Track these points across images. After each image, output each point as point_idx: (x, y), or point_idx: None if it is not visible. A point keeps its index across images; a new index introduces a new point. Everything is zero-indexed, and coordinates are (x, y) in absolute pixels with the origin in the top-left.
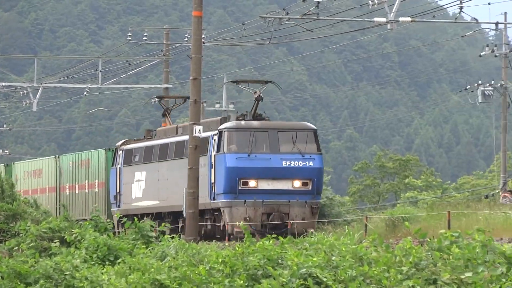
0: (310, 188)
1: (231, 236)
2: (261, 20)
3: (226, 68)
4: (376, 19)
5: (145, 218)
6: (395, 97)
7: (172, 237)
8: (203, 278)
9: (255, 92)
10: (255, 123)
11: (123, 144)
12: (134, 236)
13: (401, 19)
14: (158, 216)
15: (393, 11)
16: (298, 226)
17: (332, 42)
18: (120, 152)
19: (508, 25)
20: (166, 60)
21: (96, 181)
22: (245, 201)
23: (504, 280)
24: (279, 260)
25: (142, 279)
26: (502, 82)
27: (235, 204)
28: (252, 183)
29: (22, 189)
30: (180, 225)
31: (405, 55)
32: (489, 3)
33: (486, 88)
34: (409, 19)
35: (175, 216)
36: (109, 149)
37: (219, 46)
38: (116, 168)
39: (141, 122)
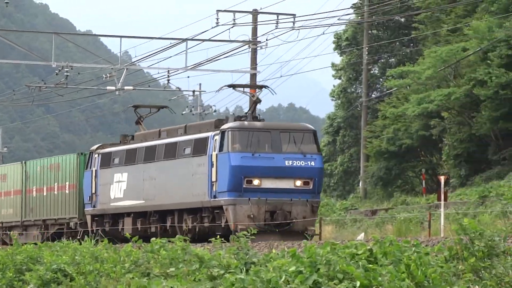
0: (311, 187)
1: (235, 233)
2: (26, 88)
3: (1, 122)
4: (108, 87)
5: (125, 217)
6: None
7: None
8: None
9: (253, 96)
10: (258, 124)
11: (98, 148)
12: None
13: (126, 87)
14: (141, 215)
15: (120, 81)
16: (299, 224)
17: (77, 103)
18: (96, 155)
19: (202, 92)
20: None
21: (67, 183)
22: (249, 199)
23: (197, 273)
24: (38, 259)
25: None
26: None
27: (240, 202)
28: (256, 182)
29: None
30: (168, 223)
31: (129, 114)
32: (188, 76)
33: None
34: (131, 87)
35: (161, 214)
36: (82, 154)
37: None
38: (92, 170)
39: None
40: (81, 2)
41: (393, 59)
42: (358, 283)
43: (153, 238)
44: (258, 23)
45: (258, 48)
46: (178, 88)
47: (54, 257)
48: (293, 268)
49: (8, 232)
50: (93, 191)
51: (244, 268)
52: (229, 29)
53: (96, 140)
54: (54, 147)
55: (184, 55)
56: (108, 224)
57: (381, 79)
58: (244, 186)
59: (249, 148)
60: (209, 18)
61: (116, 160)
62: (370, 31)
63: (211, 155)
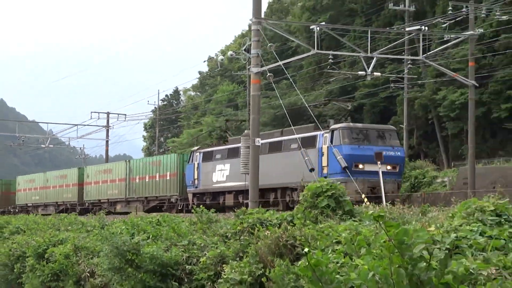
0: (397, 171)
1: None
2: None
3: None
4: (41, 145)
5: (226, 194)
6: None
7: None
8: None
9: (348, 106)
10: (359, 125)
11: (198, 149)
12: None
13: (50, 145)
14: (241, 192)
15: (47, 143)
16: (389, 197)
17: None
18: (198, 153)
19: (84, 148)
20: None
21: (168, 173)
22: (356, 178)
23: (81, 229)
24: (9, 222)
25: None
26: None
27: (349, 180)
28: (360, 166)
29: (93, 181)
30: (271, 198)
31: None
32: (77, 141)
33: None
34: (52, 145)
35: (262, 191)
36: (181, 154)
37: None
38: (194, 163)
39: None
40: (29, 98)
41: (170, 134)
42: (151, 234)
43: (65, 214)
44: (110, 117)
45: (110, 129)
46: (74, 146)
47: (16, 221)
48: (123, 227)
49: (114, 206)
50: (195, 177)
51: (101, 226)
52: (96, 120)
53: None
54: None
55: (75, 131)
56: (208, 199)
57: (164, 144)
58: (353, 169)
59: (355, 142)
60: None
61: (218, 156)
62: (160, 122)
63: (321, 147)
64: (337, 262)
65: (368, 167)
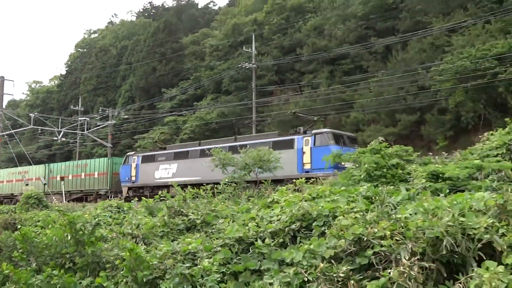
0: None
1: None
2: None
3: None
4: None
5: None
6: None
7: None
8: None
9: (315, 119)
10: (336, 131)
11: (135, 153)
12: None
13: None
14: (185, 186)
15: None
16: None
17: None
18: (135, 157)
19: None
20: None
21: (96, 172)
22: (341, 172)
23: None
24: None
25: None
26: None
27: (333, 174)
28: (343, 163)
29: (5, 180)
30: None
31: None
32: None
33: None
34: None
35: (197, 185)
36: (110, 158)
37: None
38: (130, 165)
39: None
40: None
41: None
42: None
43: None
44: None
45: None
46: None
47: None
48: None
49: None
50: (132, 175)
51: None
52: None
53: None
54: None
55: None
56: (147, 192)
57: None
58: (339, 165)
59: (338, 143)
60: None
61: (161, 158)
62: None
63: (301, 148)
64: (37, 232)
65: (348, 164)
